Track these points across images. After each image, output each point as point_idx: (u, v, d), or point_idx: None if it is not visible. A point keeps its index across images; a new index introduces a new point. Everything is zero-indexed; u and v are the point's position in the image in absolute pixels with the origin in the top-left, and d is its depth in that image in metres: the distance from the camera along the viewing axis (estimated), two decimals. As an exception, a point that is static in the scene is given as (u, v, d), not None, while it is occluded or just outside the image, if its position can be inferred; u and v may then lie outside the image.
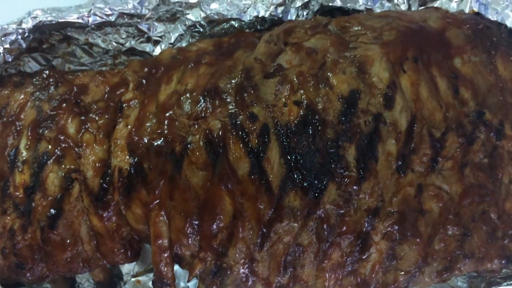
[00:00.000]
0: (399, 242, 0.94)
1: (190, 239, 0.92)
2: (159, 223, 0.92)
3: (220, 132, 0.89)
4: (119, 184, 0.92)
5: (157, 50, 1.17)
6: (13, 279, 1.00)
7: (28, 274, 0.96)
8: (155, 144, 0.92)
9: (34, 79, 1.04)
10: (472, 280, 1.08)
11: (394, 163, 0.92)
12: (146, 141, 0.92)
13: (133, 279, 1.16)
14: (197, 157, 0.89)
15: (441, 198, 0.94)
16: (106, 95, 1.01)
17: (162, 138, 0.91)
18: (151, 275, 1.15)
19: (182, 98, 0.93)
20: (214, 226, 0.90)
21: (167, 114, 0.92)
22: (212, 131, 0.90)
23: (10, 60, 1.07)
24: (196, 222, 0.91)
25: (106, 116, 0.99)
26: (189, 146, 0.90)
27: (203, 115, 0.91)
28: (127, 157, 0.92)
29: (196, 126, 0.91)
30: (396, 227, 0.93)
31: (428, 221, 0.94)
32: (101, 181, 0.96)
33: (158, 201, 0.91)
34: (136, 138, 0.93)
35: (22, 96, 1.02)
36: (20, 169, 0.95)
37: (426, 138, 0.93)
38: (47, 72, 1.05)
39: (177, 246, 0.93)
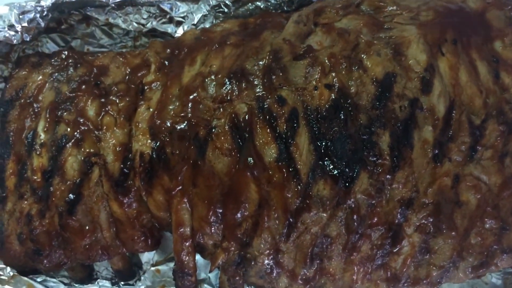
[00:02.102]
0: (433, 235, 0.90)
1: (213, 228, 0.88)
2: (181, 211, 0.88)
3: (247, 116, 0.85)
4: (141, 169, 0.89)
5: (180, 32, 1.13)
6: (29, 266, 0.97)
7: (45, 261, 0.93)
8: (178, 128, 0.87)
9: (53, 60, 1.01)
10: (507, 276, 1.03)
11: (430, 152, 0.86)
12: (168, 124, 0.88)
13: (152, 268, 1.12)
14: (222, 142, 0.85)
15: (479, 189, 0.89)
16: (127, 77, 0.98)
17: (186, 122, 0.87)
18: (171, 264, 1.11)
19: (206, 80, 0.89)
20: (239, 215, 0.86)
21: (191, 97, 0.88)
22: (238, 115, 0.85)
23: (28, 39, 1.04)
24: (220, 210, 0.87)
25: (127, 99, 0.95)
26: (213, 130, 0.86)
27: (228, 98, 0.87)
28: (149, 141, 0.88)
29: (221, 109, 0.86)
30: (431, 219, 0.88)
31: (465, 214, 0.89)
32: (122, 165, 0.92)
33: (180, 187, 0.87)
34: (158, 121, 0.88)
35: (40, 77, 0.99)
36: (38, 152, 0.92)
37: (465, 126, 0.87)
38: (66, 52, 1.01)
39: (199, 234, 0.89)
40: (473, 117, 0.88)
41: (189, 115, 0.87)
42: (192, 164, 0.86)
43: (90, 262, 1.01)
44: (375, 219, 0.88)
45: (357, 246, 0.89)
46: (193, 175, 0.86)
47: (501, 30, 0.93)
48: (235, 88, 0.87)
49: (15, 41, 1.03)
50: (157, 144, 0.88)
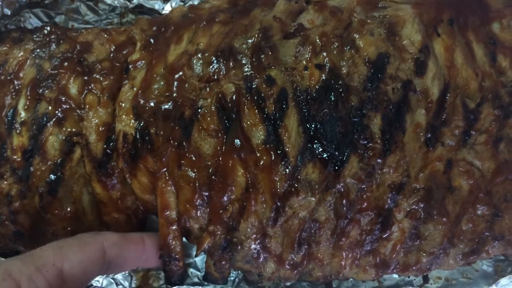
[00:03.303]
0: (423, 221, 0.88)
1: (199, 211, 0.85)
2: (167, 194, 0.85)
3: (234, 96, 0.81)
4: (124, 150, 0.86)
5: (167, 8, 1.09)
6: (10, 248, 0.95)
7: (26, 243, 0.91)
8: (163, 107, 0.84)
9: (35, 36, 0.97)
10: (498, 263, 1.01)
11: (422, 136, 0.84)
12: (153, 104, 0.85)
13: None
14: (208, 122, 0.82)
15: (472, 174, 0.87)
16: (112, 55, 0.94)
17: (171, 102, 0.84)
18: None
19: (193, 59, 0.85)
20: (225, 198, 0.83)
21: (176, 76, 0.84)
22: (225, 95, 0.82)
23: (9, 13, 0.99)
24: (206, 194, 0.84)
25: (111, 77, 0.91)
26: (199, 110, 0.82)
27: (215, 77, 0.83)
28: (132, 121, 0.85)
29: (207, 89, 0.83)
30: (422, 205, 0.86)
31: (457, 199, 0.87)
32: (105, 146, 0.89)
33: (165, 169, 0.84)
34: (143, 101, 0.85)
35: (22, 53, 0.95)
36: (18, 131, 0.89)
37: (459, 109, 0.85)
38: (48, 28, 0.97)
39: (185, 218, 0.86)
40: (468, 101, 0.85)
41: (174, 94, 0.84)
42: (177, 145, 0.83)
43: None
44: (365, 204, 0.85)
45: (346, 231, 0.87)
46: (178, 156, 0.83)
47: (500, 11, 0.89)
48: (223, 67, 0.83)
49: (-5, 15, 0.99)
50: (141, 124, 0.85)
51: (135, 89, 0.87)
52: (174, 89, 0.84)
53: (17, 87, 0.92)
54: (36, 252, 0.73)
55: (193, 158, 0.82)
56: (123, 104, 0.87)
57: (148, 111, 0.85)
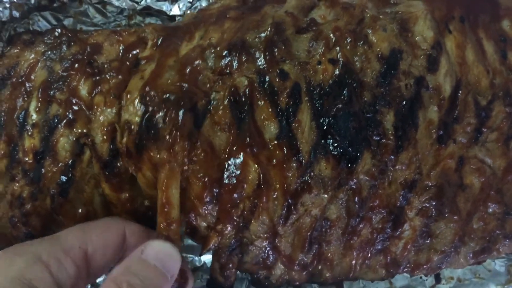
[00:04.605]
0: (435, 219, 0.87)
1: (207, 209, 0.83)
2: (170, 188, 0.80)
3: (247, 90, 0.80)
4: (127, 140, 0.83)
5: (175, 10, 1.09)
6: None
7: None
8: (173, 97, 0.81)
9: (46, 38, 0.95)
10: (511, 263, 1.01)
11: (435, 132, 0.83)
12: (162, 94, 0.81)
13: None
14: (220, 116, 0.80)
15: (483, 172, 0.87)
16: (121, 55, 0.92)
17: (182, 92, 0.81)
18: None
19: (205, 52, 0.84)
20: (236, 195, 0.81)
21: (189, 67, 0.82)
22: (238, 88, 0.80)
23: (17, 16, 0.99)
24: (216, 190, 0.82)
25: (119, 76, 0.89)
26: (212, 103, 0.81)
27: (228, 71, 0.82)
28: (139, 110, 0.82)
29: (220, 82, 0.81)
30: (433, 203, 0.86)
31: (468, 197, 0.87)
32: (111, 146, 0.87)
33: (171, 161, 0.80)
34: (152, 90, 0.82)
35: (33, 55, 0.93)
36: (29, 133, 0.87)
37: (471, 106, 0.85)
38: (59, 30, 0.96)
39: (192, 215, 0.84)
40: (479, 98, 0.85)
41: (186, 85, 0.81)
42: (187, 137, 0.79)
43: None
44: (377, 201, 0.84)
45: (357, 230, 0.86)
46: (188, 149, 0.80)
47: (510, 9, 0.90)
48: (235, 61, 0.82)
49: (3, 18, 0.98)
50: (148, 113, 0.82)
51: (144, 79, 0.85)
52: (186, 79, 0.82)
53: (28, 89, 0.90)
54: (62, 235, 0.73)
55: (206, 152, 0.80)
56: (130, 95, 0.84)
57: (156, 100, 0.81)
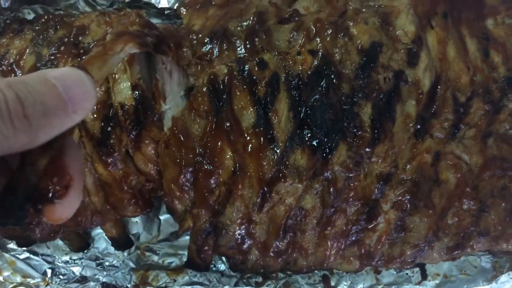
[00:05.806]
0: (409, 213, 0.88)
1: (183, 193, 0.85)
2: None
3: (226, 78, 0.81)
4: (127, 123, 0.85)
5: (163, 2, 1.09)
6: (25, 237, 0.95)
7: (37, 230, 0.91)
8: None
9: (34, 25, 0.97)
10: (496, 260, 1.01)
11: (412, 127, 0.84)
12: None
13: (138, 251, 1.11)
14: (199, 103, 0.81)
15: (459, 168, 0.87)
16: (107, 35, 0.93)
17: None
18: (156, 246, 1.10)
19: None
20: (212, 181, 0.83)
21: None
22: (217, 76, 0.81)
23: (6, 6, 1.01)
24: (192, 175, 0.83)
25: (105, 55, 0.90)
26: (191, 91, 0.82)
27: (208, 58, 0.83)
28: (130, 92, 0.84)
29: (199, 67, 0.82)
30: (408, 197, 0.86)
31: (443, 193, 0.87)
32: (103, 124, 0.88)
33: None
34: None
35: (22, 42, 0.95)
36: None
37: (450, 102, 0.85)
38: (46, 16, 0.97)
39: (168, 198, 0.86)
40: (458, 94, 0.86)
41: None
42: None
43: (82, 230, 0.98)
44: (352, 193, 0.85)
45: (332, 220, 0.87)
46: (166, 134, 0.82)
47: (494, 7, 0.90)
48: (216, 49, 0.83)
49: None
50: (139, 94, 0.84)
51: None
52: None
53: (18, 76, 0.92)
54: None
55: (183, 136, 0.81)
56: (116, 76, 0.86)
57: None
